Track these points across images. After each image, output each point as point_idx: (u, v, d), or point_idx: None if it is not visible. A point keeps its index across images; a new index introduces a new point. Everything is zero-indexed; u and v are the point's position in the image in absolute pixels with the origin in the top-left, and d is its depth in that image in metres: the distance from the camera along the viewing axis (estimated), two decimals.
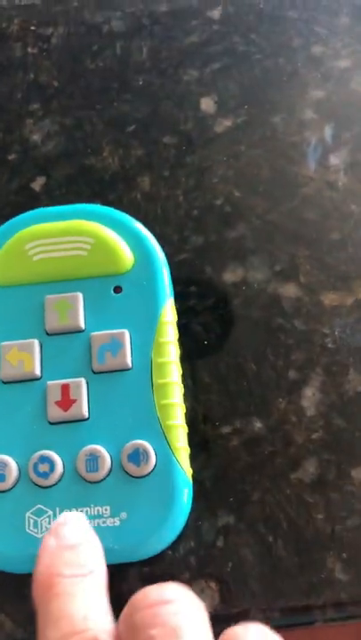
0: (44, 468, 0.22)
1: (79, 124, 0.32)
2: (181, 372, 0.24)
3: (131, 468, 0.22)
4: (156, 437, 0.22)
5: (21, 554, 0.21)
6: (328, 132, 0.31)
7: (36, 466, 0.22)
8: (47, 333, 0.24)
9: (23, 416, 0.23)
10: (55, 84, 0.33)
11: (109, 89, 0.33)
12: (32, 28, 0.35)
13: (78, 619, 0.17)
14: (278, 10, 0.35)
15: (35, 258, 0.25)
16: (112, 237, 0.25)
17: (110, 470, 0.22)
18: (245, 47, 0.34)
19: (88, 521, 0.20)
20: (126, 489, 0.22)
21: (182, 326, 0.27)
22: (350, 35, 0.34)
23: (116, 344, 0.23)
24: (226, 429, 0.25)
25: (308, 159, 0.30)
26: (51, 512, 0.22)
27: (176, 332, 0.24)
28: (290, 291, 0.28)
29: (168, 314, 0.24)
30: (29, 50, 0.34)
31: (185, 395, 0.25)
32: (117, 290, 0.24)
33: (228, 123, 0.32)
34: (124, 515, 0.22)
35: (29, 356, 0.23)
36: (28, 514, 0.22)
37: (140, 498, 0.22)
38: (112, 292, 0.24)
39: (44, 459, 0.22)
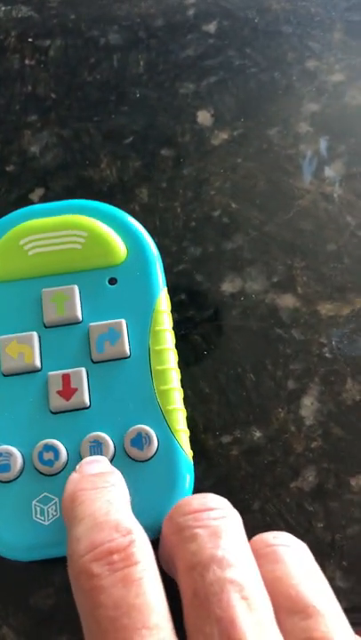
0: (48, 456, 0.22)
1: (77, 135, 0.32)
2: (179, 361, 0.24)
3: (134, 452, 0.22)
4: (156, 422, 0.23)
5: (29, 542, 0.22)
6: (323, 144, 0.32)
7: (40, 454, 0.22)
8: (45, 326, 0.24)
9: (25, 407, 0.23)
10: (53, 95, 0.33)
11: (107, 101, 0.33)
12: (29, 40, 0.35)
13: (101, 514, 0.18)
14: (273, 25, 0.35)
15: (30, 252, 0.25)
16: (105, 230, 0.25)
17: (114, 456, 0.22)
18: (241, 61, 0.34)
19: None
20: (130, 473, 0.22)
21: (181, 337, 0.27)
22: (343, 50, 0.35)
23: (114, 333, 0.24)
24: (226, 439, 0.25)
25: (304, 171, 0.31)
26: (57, 499, 0.22)
27: (170, 320, 0.25)
28: (287, 301, 0.28)
29: (163, 303, 0.25)
30: (27, 62, 0.34)
31: (185, 403, 0.25)
32: (112, 281, 0.25)
33: (224, 135, 0.32)
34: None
35: (29, 349, 0.24)
36: (34, 502, 0.22)
37: (144, 481, 0.22)
38: (107, 283, 0.25)
39: (48, 447, 0.22)
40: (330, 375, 0.26)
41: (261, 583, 0.17)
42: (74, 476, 0.20)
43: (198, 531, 0.17)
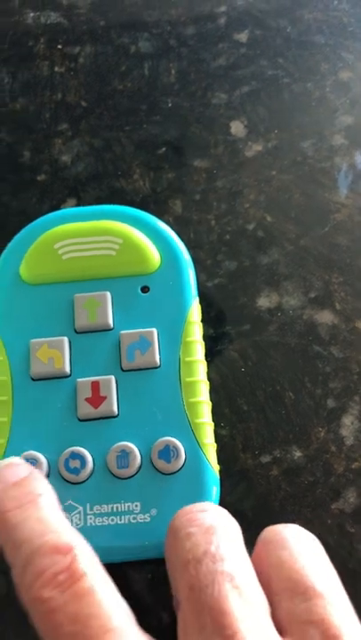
0: (74, 464, 0.22)
1: (108, 145, 0.32)
2: (214, 376, 0.24)
3: (161, 464, 0.22)
4: (184, 434, 0.22)
5: None
6: (358, 157, 0.31)
7: (66, 462, 0.22)
8: (76, 331, 0.24)
9: (53, 413, 0.23)
10: (83, 103, 0.33)
11: (138, 110, 0.33)
12: (59, 46, 0.35)
13: (36, 536, 0.18)
14: (305, 35, 0.35)
15: (64, 257, 0.25)
16: (140, 238, 0.25)
17: (140, 467, 0.22)
18: (273, 71, 0.34)
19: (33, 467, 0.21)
20: (156, 485, 0.22)
21: (217, 352, 0.27)
22: None
23: (144, 342, 0.24)
24: (265, 459, 0.25)
25: (339, 185, 0.31)
26: (81, 508, 0.22)
27: (201, 331, 0.25)
28: (325, 317, 0.28)
29: (195, 313, 0.25)
30: (56, 69, 0.34)
31: (223, 421, 0.25)
32: (145, 290, 0.25)
33: (258, 147, 0.32)
34: (154, 511, 0.22)
35: (59, 354, 0.23)
36: None
37: (170, 494, 0.22)
38: (140, 291, 0.25)
39: (74, 455, 0.22)
40: None
41: (254, 576, 0.18)
42: None
43: (192, 529, 0.18)
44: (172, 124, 0.32)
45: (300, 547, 0.19)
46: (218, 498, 0.22)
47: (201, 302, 0.27)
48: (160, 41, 0.35)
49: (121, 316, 0.24)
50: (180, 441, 0.22)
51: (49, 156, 0.31)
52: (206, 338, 0.26)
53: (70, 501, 0.22)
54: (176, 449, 0.22)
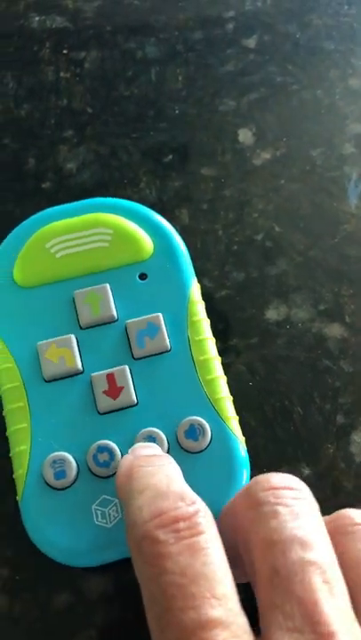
0: (103, 457, 0.22)
1: (114, 152, 0.31)
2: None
3: (189, 443, 0.22)
4: (207, 412, 0.23)
5: (94, 546, 0.21)
6: None
7: (95, 457, 0.22)
8: (81, 327, 0.24)
9: (72, 411, 0.23)
10: (89, 110, 0.32)
11: (145, 117, 0.32)
12: (64, 51, 0.34)
13: (163, 485, 0.18)
14: (314, 40, 0.34)
15: (57, 255, 0.25)
16: (130, 226, 0.25)
17: (168, 449, 0.22)
18: (282, 77, 0.33)
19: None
20: (188, 465, 0.22)
21: (225, 366, 0.26)
22: None
23: (152, 328, 0.24)
24: None
25: (349, 195, 0.30)
26: (116, 500, 0.22)
27: (204, 310, 0.25)
28: (335, 331, 0.27)
29: (196, 293, 0.25)
30: (62, 74, 0.33)
31: None
32: (143, 277, 0.25)
33: (266, 155, 0.31)
34: None
35: (69, 352, 0.23)
36: (93, 506, 0.22)
37: (201, 471, 0.22)
38: (138, 279, 0.25)
39: (102, 448, 0.22)
40: None
41: (339, 568, 0.17)
42: (127, 457, 0.20)
43: (279, 508, 0.17)
44: (180, 131, 0.32)
45: None
46: (248, 469, 0.22)
47: (208, 314, 0.27)
48: (167, 46, 0.34)
49: (123, 305, 0.24)
50: (204, 418, 0.22)
51: (54, 163, 0.31)
52: None
53: (104, 496, 0.22)
54: (202, 426, 0.22)
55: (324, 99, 0.33)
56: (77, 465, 0.22)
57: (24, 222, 0.26)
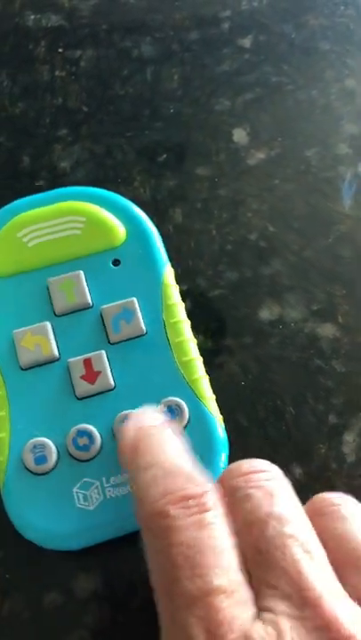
0: (83, 441, 0.22)
1: (109, 151, 0.31)
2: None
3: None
4: (183, 392, 0.23)
5: (77, 529, 0.22)
6: None
7: (75, 441, 0.22)
8: (56, 314, 0.24)
9: (50, 397, 0.23)
10: (84, 108, 0.32)
11: (140, 116, 0.32)
12: (59, 50, 0.34)
13: (171, 463, 0.19)
14: (310, 41, 0.34)
15: (30, 244, 0.25)
16: (102, 213, 0.25)
17: None
18: (277, 78, 0.33)
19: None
20: None
21: (218, 365, 0.26)
22: None
23: (127, 312, 0.24)
24: None
25: (343, 195, 0.30)
26: (97, 482, 0.22)
27: (178, 294, 0.25)
28: (328, 331, 0.27)
29: (170, 276, 0.25)
30: (57, 73, 0.33)
31: None
32: (116, 262, 0.25)
33: (261, 155, 0.31)
34: None
35: (44, 339, 0.23)
36: (75, 489, 0.22)
37: None
38: (111, 265, 0.25)
39: (82, 432, 0.22)
40: None
41: (317, 539, 0.18)
42: (130, 424, 0.20)
43: (252, 491, 0.18)
44: (175, 130, 0.32)
45: (356, 519, 0.19)
46: (227, 443, 0.23)
47: (201, 313, 0.27)
48: (163, 45, 0.34)
49: (98, 292, 0.24)
50: (182, 399, 0.23)
51: (49, 161, 0.31)
52: (206, 350, 0.26)
53: (85, 479, 0.22)
54: (179, 407, 0.23)
55: (320, 99, 0.33)
56: (57, 450, 0.22)
57: None
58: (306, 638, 0.15)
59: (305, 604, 0.16)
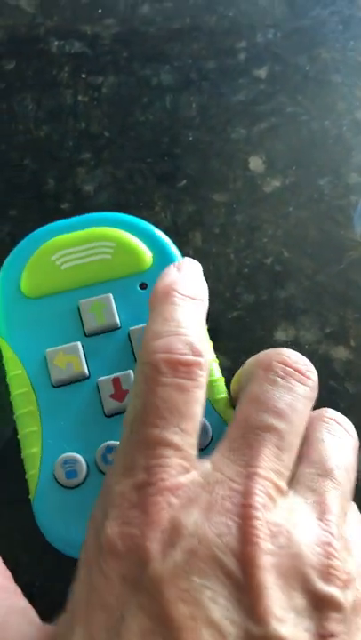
0: (112, 457, 0.23)
1: (131, 176, 0.32)
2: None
3: None
4: (207, 411, 0.23)
5: None
6: None
7: (104, 457, 0.23)
8: (86, 335, 0.25)
9: (80, 414, 0.24)
10: (106, 134, 0.34)
11: (160, 143, 0.33)
12: (82, 75, 0.35)
13: (186, 325, 0.20)
14: (323, 73, 0.36)
15: (63, 267, 0.26)
16: (131, 239, 0.27)
17: None
18: (292, 108, 0.35)
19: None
20: None
21: None
22: None
23: None
24: None
25: (355, 223, 0.32)
26: None
27: None
28: (340, 353, 0.28)
29: None
30: (80, 98, 0.35)
31: None
32: (143, 286, 0.26)
33: (276, 183, 0.33)
34: None
35: (76, 358, 0.25)
36: None
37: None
38: (138, 288, 0.26)
39: (110, 448, 0.23)
40: None
41: (297, 443, 0.19)
42: (172, 273, 0.23)
43: (279, 379, 0.20)
44: (193, 157, 0.33)
45: (343, 439, 0.21)
46: None
47: (219, 335, 0.28)
48: (181, 74, 0.36)
49: (126, 313, 0.25)
50: (205, 417, 0.23)
51: (72, 184, 0.32)
52: (224, 370, 0.27)
53: None
54: (202, 426, 0.23)
55: (332, 129, 0.34)
56: (87, 464, 0.23)
57: (29, 236, 0.27)
58: (223, 497, 0.17)
59: (241, 474, 0.18)
